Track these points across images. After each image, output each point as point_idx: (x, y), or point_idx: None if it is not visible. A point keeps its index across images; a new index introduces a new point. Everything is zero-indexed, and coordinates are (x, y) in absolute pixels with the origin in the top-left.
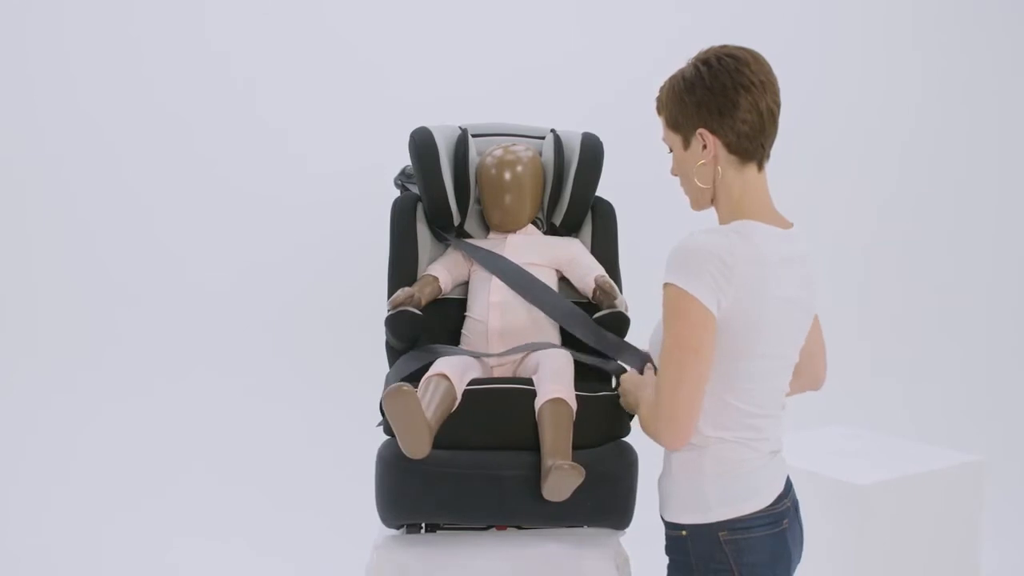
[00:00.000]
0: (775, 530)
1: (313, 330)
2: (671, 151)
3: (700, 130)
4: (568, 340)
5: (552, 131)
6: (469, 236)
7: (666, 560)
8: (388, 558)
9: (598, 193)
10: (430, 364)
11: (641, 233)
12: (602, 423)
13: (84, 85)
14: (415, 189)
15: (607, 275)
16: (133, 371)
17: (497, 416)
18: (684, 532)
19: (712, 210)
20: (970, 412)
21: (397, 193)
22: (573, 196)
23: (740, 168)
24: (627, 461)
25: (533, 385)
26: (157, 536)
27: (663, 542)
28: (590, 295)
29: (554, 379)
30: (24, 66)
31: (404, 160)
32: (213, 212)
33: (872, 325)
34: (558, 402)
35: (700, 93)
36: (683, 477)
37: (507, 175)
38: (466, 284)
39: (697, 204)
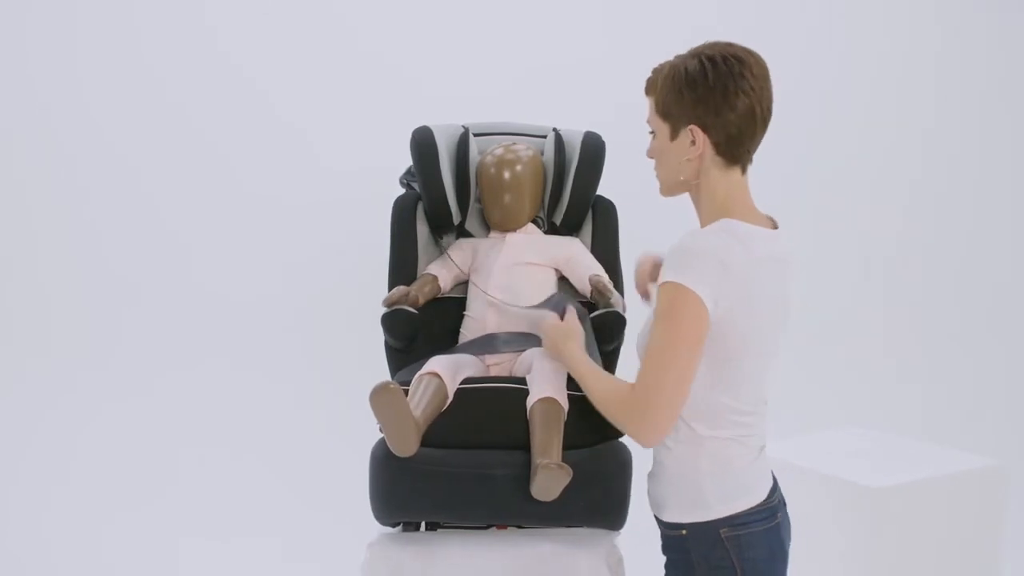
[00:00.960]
0: (770, 524)
1: (314, 330)
2: (652, 133)
3: (692, 126)
4: None
5: (554, 130)
6: (470, 235)
7: (661, 560)
8: (382, 556)
9: (601, 192)
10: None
11: (642, 233)
12: (596, 423)
13: (91, 84)
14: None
15: (604, 275)
16: (136, 370)
17: (489, 415)
18: (684, 531)
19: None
20: (990, 415)
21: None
22: (573, 195)
23: (725, 169)
24: (621, 461)
25: (526, 384)
26: (157, 536)
27: (658, 542)
28: (588, 295)
29: (546, 378)
30: (31, 66)
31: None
32: (218, 212)
33: (894, 327)
34: (549, 401)
35: (701, 90)
36: (679, 477)
37: (507, 174)
38: (466, 283)
39: (668, 192)
